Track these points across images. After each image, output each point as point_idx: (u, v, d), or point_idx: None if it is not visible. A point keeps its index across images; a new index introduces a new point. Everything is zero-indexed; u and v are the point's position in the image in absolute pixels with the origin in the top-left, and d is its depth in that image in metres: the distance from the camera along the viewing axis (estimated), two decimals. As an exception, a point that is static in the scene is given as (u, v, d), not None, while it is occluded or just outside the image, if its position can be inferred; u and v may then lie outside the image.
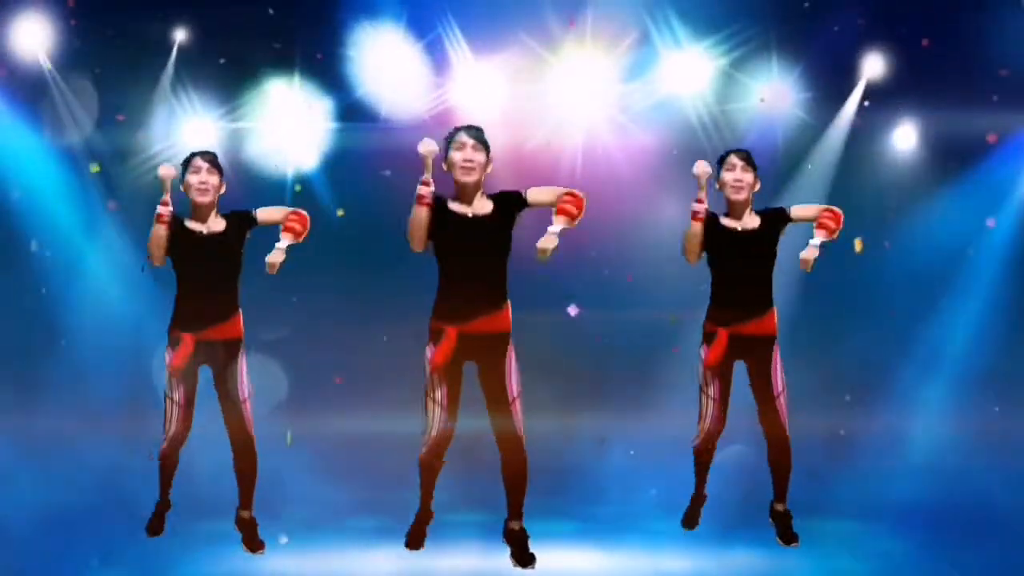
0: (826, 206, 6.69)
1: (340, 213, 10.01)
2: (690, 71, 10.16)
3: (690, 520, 6.78)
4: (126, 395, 10.02)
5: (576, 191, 6.33)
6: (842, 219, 6.60)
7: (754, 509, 6.87)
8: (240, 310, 6.61)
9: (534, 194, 6.35)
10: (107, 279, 10.35)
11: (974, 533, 7.20)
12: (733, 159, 6.69)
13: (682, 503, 6.85)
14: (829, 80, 10.32)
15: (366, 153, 10.30)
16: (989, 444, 9.47)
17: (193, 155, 6.68)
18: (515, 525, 6.28)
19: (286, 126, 10.24)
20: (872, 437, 9.65)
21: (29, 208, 10.31)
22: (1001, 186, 10.47)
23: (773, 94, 10.25)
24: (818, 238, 6.54)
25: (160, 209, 6.44)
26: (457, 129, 6.45)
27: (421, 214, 6.22)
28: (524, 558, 6.22)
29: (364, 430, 9.50)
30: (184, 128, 10.20)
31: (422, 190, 6.22)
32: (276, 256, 6.51)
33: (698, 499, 6.76)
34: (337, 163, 10.41)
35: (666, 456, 8.59)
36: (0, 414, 9.69)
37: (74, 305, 10.40)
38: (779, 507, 6.68)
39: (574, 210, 6.28)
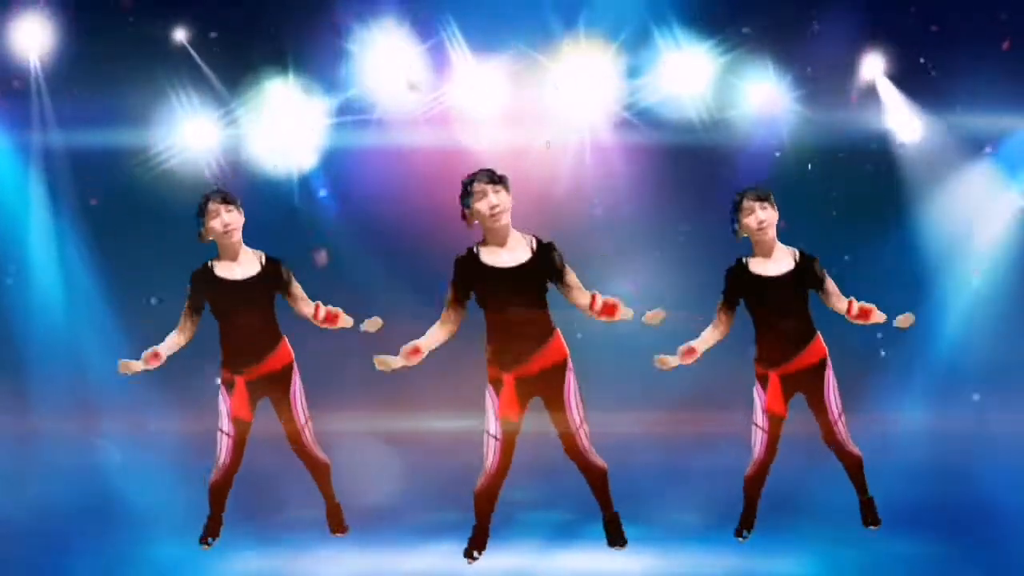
0: (854, 304, 6.72)
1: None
2: (691, 70, 10.17)
3: (741, 532, 6.89)
4: (127, 395, 10.05)
5: (609, 300, 6.41)
6: (870, 315, 6.69)
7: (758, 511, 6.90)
8: (283, 336, 6.69)
9: (571, 281, 6.43)
10: (106, 277, 10.37)
11: (974, 533, 7.20)
12: (748, 202, 6.65)
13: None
14: (830, 78, 10.32)
15: (366, 153, 10.32)
16: (988, 444, 9.47)
17: (206, 200, 6.62)
18: (607, 515, 6.56)
19: (286, 126, 10.25)
20: (873, 437, 9.64)
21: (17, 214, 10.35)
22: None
23: (773, 93, 10.26)
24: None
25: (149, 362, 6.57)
26: (471, 178, 6.41)
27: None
28: (615, 539, 6.55)
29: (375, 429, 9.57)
30: (184, 128, 10.22)
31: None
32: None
33: (750, 517, 6.85)
34: (337, 163, 10.42)
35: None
36: (0, 414, 9.70)
37: (74, 304, 10.42)
38: (863, 497, 6.88)
39: (613, 314, 6.41)
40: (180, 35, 10.18)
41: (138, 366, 6.62)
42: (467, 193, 6.36)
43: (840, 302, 6.71)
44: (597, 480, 6.52)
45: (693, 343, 6.64)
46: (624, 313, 6.42)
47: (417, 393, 9.95)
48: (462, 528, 6.56)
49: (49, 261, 10.42)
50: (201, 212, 6.57)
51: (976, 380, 10.27)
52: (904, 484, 8.09)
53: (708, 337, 6.69)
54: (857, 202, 10.28)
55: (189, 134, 10.22)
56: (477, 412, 6.44)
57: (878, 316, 6.74)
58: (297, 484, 7.04)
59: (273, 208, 9.84)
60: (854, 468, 6.84)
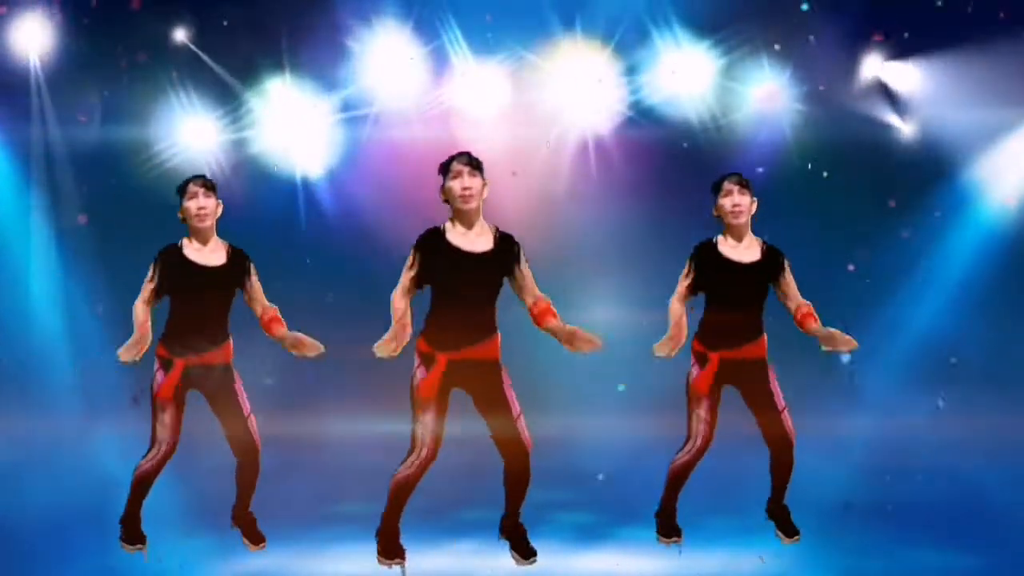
0: (801, 303, 6.69)
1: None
2: (691, 70, 10.16)
3: (673, 532, 6.83)
4: (126, 395, 10.03)
5: (546, 306, 6.40)
6: (809, 321, 6.65)
7: (751, 509, 6.89)
8: (231, 336, 6.71)
9: (526, 275, 6.45)
10: (106, 278, 10.35)
11: (974, 533, 7.20)
12: (728, 184, 6.76)
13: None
14: (830, 77, 10.31)
15: (366, 153, 10.31)
16: (989, 444, 9.47)
17: (187, 181, 6.75)
18: (514, 521, 6.46)
19: (287, 126, 10.23)
20: (872, 437, 9.65)
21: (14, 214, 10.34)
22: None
23: (772, 92, 10.25)
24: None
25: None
26: (451, 158, 6.51)
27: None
28: (526, 551, 6.42)
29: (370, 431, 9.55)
30: (184, 128, 10.20)
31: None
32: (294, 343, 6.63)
33: (670, 511, 6.79)
34: (337, 163, 10.41)
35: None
36: (0, 414, 9.69)
37: (73, 305, 10.40)
38: (779, 505, 6.78)
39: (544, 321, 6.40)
40: (180, 34, 10.17)
41: (135, 353, 6.56)
42: (445, 170, 6.46)
43: (791, 302, 6.70)
44: (520, 474, 6.42)
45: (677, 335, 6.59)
46: (572, 337, 6.35)
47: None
48: (462, 529, 6.56)
49: (49, 261, 10.42)
50: (181, 192, 6.70)
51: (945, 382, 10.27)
52: (908, 486, 8.13)
53: (678, 316, 6.66)
54: (857, 202, 10.28)
55: (189, 133, 10.20)
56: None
57: (818, 331, 6.65)
58: (297, 484, 7.04)
59: (273, 208, 9.84)
60: (786, 463, 6.75)
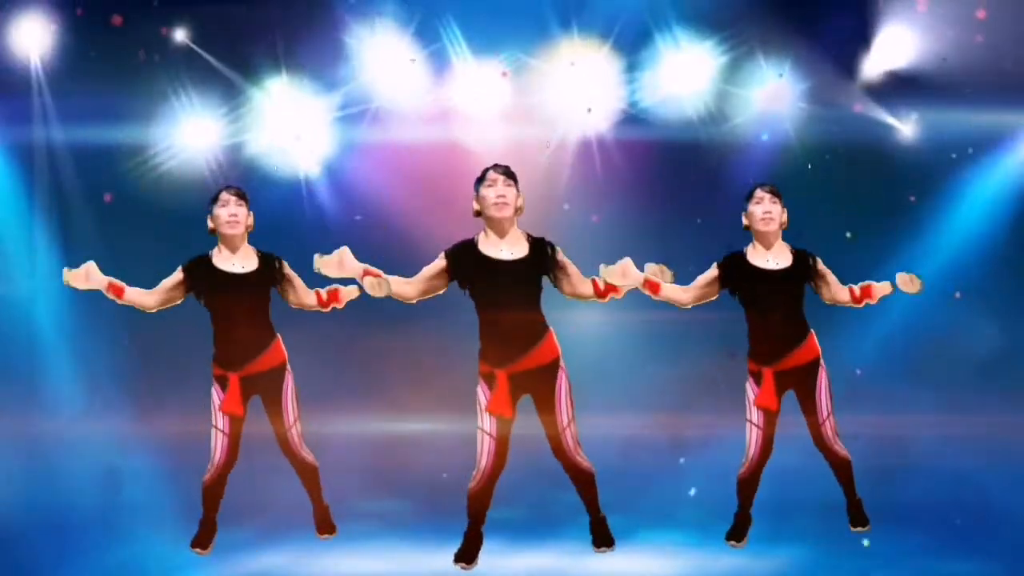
0: (855, 289, 6.73)
1: (357, 217, 10.02)
2: (692, 69, 10.16)
3: (737, 536, 6.85)
4: (125, 394, 10.05)
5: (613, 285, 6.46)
6: (872, 291, 6.68)
7: (757, 509, 6.90)
8: (278, 335, 6.69)
9: (563, 260, 6.46)
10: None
11: (974, 533, 7.19)
12: (760, 192, 6.74)
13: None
14: (831, 77, 10.31)
15: (366, 152, 10.30)
16: (988, 444, 9.47)
17: (220, 190, 6.75)
18: (594, 516, 6.57)
19: (288, 126, 10.23)
20: (871, 436, 9.64)
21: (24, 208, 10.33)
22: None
23: (775, 91, 10.25)
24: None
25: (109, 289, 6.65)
26: (487, 169, 6.49)
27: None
28: (602, 540, 6.55)
29: (375, 431, 9.57)
30: (185, 128, 10.20)
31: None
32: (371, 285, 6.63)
33: (743, 519, 6.83)
34: (338, 162, 10.41)
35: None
36: (0, 414, 9.69)
37: (72, 304, 10.40)
38: (851, 499, 6.87)
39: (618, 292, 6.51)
40: (181, 34, 10.17)
41: (85, 282, 6.65)
42: (481, 179, 6.43)
43: (842, 293, 6.72)
44: (583, 482, 6.52)
45: (661, 283, 6.62)
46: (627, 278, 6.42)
47: (413, 395, 9.97)
48: (460, 530, 6.56)
49: (48, 261, 10.42)
50: (213, 200, 6.67)
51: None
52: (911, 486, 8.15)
53: (673, 291, 6.67)
54: (858, 202, 10.27)
55: (189, 133, 10.20)
56: (473, 414, 6.43)
57: (881, 289, 6.73)
58: (296, 484, 7.04)
59: (273, 207, 9.83)
60: (842, 469, 6.83)
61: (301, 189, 10.34)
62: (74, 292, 10.32)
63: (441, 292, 6.50)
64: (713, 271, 6.71)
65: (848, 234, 9.68)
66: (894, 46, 10.18)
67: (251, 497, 7.20)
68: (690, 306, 6.73)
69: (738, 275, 6.67)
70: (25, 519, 7.67)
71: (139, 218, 10.14)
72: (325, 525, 6.85)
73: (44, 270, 10.33)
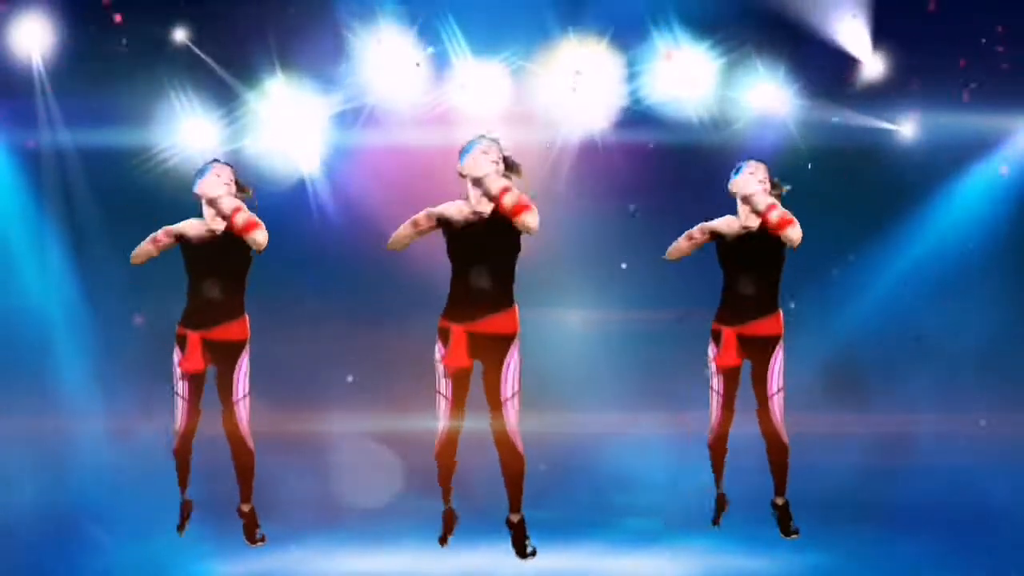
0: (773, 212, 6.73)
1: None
2: (691, 70, 10.16)
3: (716, 519, 6.87)
4: (124, 394, 10.05)
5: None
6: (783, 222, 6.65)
7: (751, 506, 6.90)
8: (246, 313, 6.66)
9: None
10: (104, 278, 10.36)
11: (974, 533, 7.20)
12: (754, 164, 6.85)
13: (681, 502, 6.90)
14: (830, 77, 10.31)
15: (366, 152, 10.31)
16: (988, 444, 9.47)
17: (209, 162, 6.86)
18: (514, 518, 6.44)
19: (287, 127, 10.24)
20: (871, 437, 9.65)
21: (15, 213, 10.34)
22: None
23: (772, 93, 10.25)
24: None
25: (160, 236, 6.52)
26: (476, 137, 6.56)
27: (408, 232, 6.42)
28: (523, 549, 6.40)
29: (375, 428, 9.56)
30: (184, 127, 10.21)
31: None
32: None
33: (720, 499, 6.84)
34: (338, 162, 10.41)
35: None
36: (0, 414, 9.69)
37: (71, 305, 10.41)
38: (779, 501, 6.82)
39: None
40: (180, 34, 10.18)
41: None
42: (467, 148, 6.51)
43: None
44: (511, 467, 6.43)
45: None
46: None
47: (412, 393, 9.97)
48: (461, 530, 6.56)
49: (49, 261, 10.43)
50: (200, 172, 6.78)
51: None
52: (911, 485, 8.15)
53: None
54: (858, 201, 10.28)
55: (189, 134, 10.21)
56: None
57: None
58: (297, 484, 7.04)
59: (273, 208, 9.83)
60: (777, 454, 6.76)
61: (300, 189, 10.36)
62: (74, 292, 10.43)
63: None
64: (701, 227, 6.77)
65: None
66: (893, 46, 10.22)
67: (254, 497, 7.20)
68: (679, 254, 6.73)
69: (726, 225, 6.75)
70: (24, 520, 7.67)
71: (139, 218, 10.16)
72: (251, 532, 6.81)
73: (53, 270, 10.36)
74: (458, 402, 6.38)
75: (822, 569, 6.62)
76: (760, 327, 6.63)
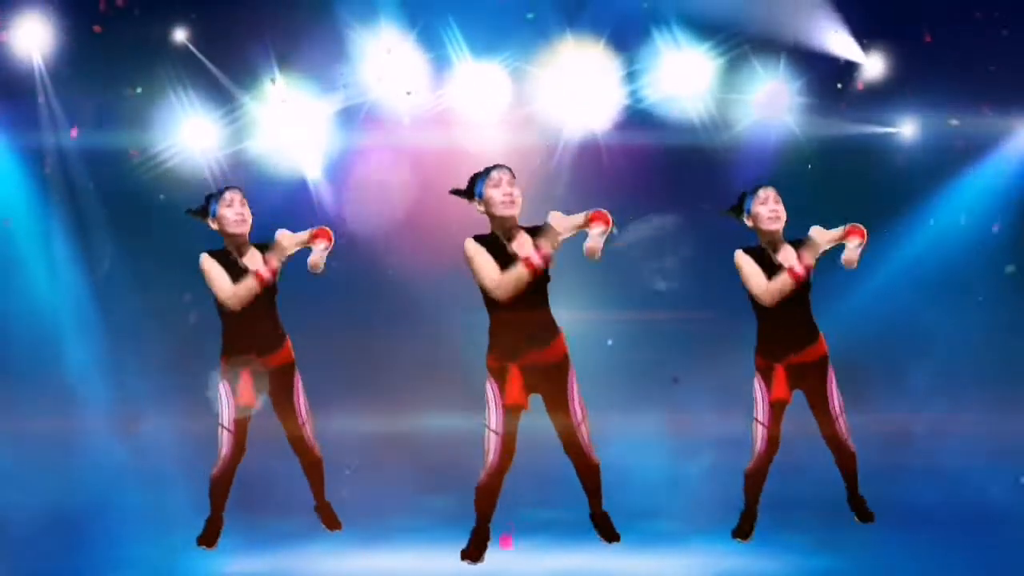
0: (849, 225, 6.73)
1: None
2: (690, 71, 10.18)
3: (743, 532, 6.89)
4: (125, 394, 10.07)
5: (602, 212, 6.38)
6: (865, 232, 6.69)
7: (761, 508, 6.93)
8: (287, 335, 6.73)
9: (556, 221, 6.39)
10: (103, 279, 10.38)
11: (974, 533, 7.21)
12: (764, 192, 6.74)
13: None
14: (829, 79, 10.34)
15: (366, 152, 10.33)
16: (988, 444, 9.48)
17: (223, 190, 6.74)
18: (598, 510, 6.62)
19: (287, 128, 10.25)
20: (873, 437, 9.66)
21: (25, 210, 10.35)
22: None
23: (771, 94, 10.28)
24: (854, 242, 6.67)
25: (263, 271, 6.55)
26: (488, 169, 6.47)
27: (525, 277, 6.30)
28: (610, 535, 6.60)
29: (376, 429, 9.60)
30: (184, 127, 10.23)
31: (535, 259, 6.29)
32: (318, 258, 6.62)
33: (750, 516, 6.88)
34: (338, 162, 10.43)
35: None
36: (1, 414, 9.71)
37: (72, 305, 10.42)
38: (855, 495, 6.97)
39: (606, 218, 6.35)
40: (180, 34, 10.19)
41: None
42: (484, 176, 6.42)
43: (830, 233, 6.70)
44: (592, 477, 6.56)
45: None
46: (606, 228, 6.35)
47: (417, 392, 9.98)
48: (462, 530, 6.57)
49: (51, 260, 10.44)
50: (215, 199, 6.67)
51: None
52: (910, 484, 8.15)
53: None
54: (858, 201, 10.29)
55: (189, 134, 10.23)
56: (479, 411, 6.45)
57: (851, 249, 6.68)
58: (297, 484, 7.05)
59: (273, 208, 9.85)
60: (849, 466, 6.91)
61: (301, 190, 10.37)
62: (75, 291, 10.45)
63: None
64: (754, 269, 6.68)
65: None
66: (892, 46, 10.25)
67: (251, 496, 7.21)
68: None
69: (764, 268, 6.67)
70: (25, 520, 7.67)
71: (140, 217, 10.19)
72: (332, 520, 6.97)
73: (63, 276, 10.38)
74: (508, 440, 6.42)
75: (833, 570, 6.62)
76: (808, 354, 6.69)
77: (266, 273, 6.55)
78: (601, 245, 6.32)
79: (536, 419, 6.47)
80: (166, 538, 6.98)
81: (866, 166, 10.53)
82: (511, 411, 6.37)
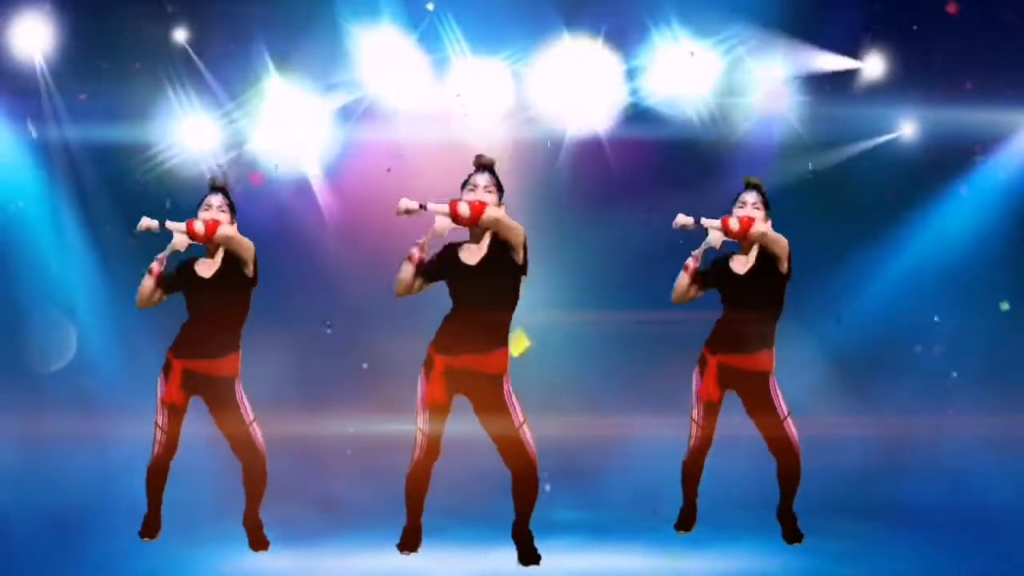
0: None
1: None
2: (690, 70, 10.17)
3: (684, 524, 6.90)
4: (127, 394, 10.05)
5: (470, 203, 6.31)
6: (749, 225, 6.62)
7: (752, 510, 6.91)
8: (240, 350, 6.72)
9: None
10: (103, 279, 10.36)
11: (974, 533, 7.21)
12: (744, 196, 6.79)
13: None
14: (830, 77, 10.32)
15: (366, 152, 10.32)
16: (988, 444, 9.47)
17: (208, 194, 6.79)
18: (523, 527, 6.46)
19: (287, 126, 10.24)
20: (874, 437, 9.66)
21: (24, 211, 10.34)
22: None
23: (772, 93, 10.26)
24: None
25: (153, 266, 6.56)
26: (475, 169, 6.49)
27: (407, 272, 6.34)
28: (530, 556, 6.42)
29: (377, 429, 9.58)
30: (184, 126, 10.22)
31: (413, 251, 6.31)
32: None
33: (689, 509, 6.88)
34: (338, 162, 10.42)
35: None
36: (1, 414, 9.70)
37: (77, 304, 10.42)
38: (786, 511, 6.87)
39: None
40: (180, 33, 10.18)
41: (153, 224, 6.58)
42: (467, 179, 6.46)
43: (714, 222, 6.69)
44: (527, 485, 6.43)
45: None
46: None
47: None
48: (463, 529, 6.56)
49: (53, 260, 10.44)
50: (200, 203, 6.74)
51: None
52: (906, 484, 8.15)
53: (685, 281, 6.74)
54: (858, 201, 10.29)
55: (189, 132, 10.22)
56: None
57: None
58: (296, 484, 7.04)
59: (273, 208, 9.86)
60: (793, 473, 6.81)
61: (301, 188, 10.36)
62: (76, 291, 10.43)
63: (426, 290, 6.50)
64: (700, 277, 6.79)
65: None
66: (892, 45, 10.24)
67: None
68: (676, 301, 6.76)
69: (719, 272, 6.78)
70: (25, 520, 7.67)
71: (133, 219, 10.18)
72: (258, 538, 6.86)
73: (73, 272, 10.38)
74: (433, 440, 6.45)
75: (833, 570, 6.62)
76: (748, 362, 6.69)
77: (156, 267, 6.59)
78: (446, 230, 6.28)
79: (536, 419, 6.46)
80: (165, 538, 6.98)
81: (866, 166, 10.51)
82: (432, 408, 6.37)
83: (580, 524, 7.37)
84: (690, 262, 6.72)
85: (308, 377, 9.51)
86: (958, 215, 10.45)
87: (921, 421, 9.99)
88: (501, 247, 6.33)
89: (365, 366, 8.74)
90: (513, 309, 6.39)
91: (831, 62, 10.21)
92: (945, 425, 9.89)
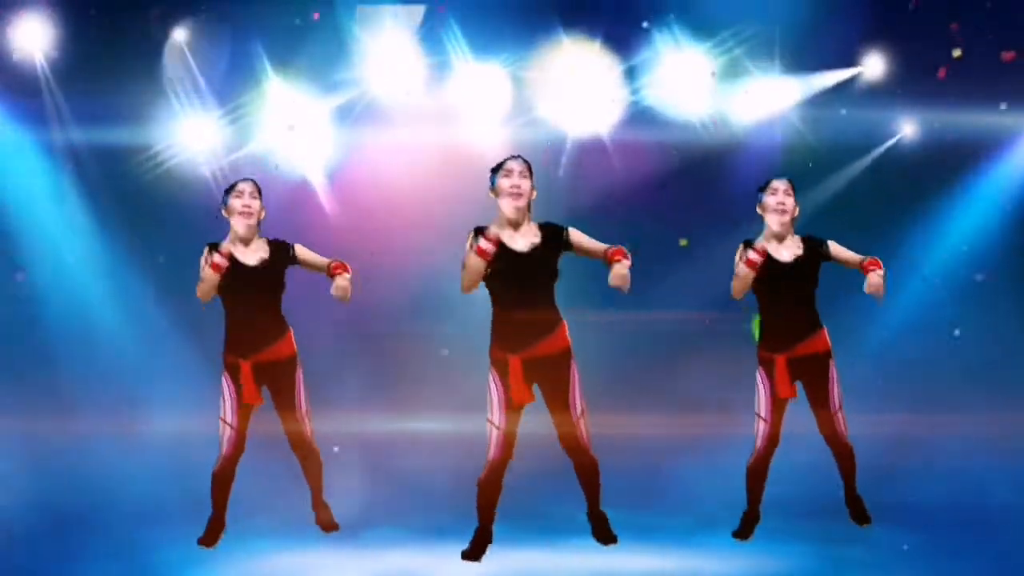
0: (868, 257, 6.73)
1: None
2: (690, 70, 10.18)
3: (743, 533, 6.91)
4: (126, 393, 10.06)
5: (622, 248, 6.40)
6: (882, 268, 6.68)
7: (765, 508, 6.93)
8: (290, 328, 6.76)
9: (577, 237, 6.48)
10: (102, 279, 10.38)
11: (974, 533, 7.21)
12: (776, 183, 6.85)
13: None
14: (830, 79, 10.34)
15: (366, 152, 10.33)
16: (988, 444, 9.48)
17: (236, 181, 6.83)
18: (595, 509, 6.58)
19: (287, 127, 10.25)
20: (874, 437, 9.66)
21: (23, 211, 10.35)
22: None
23: (773, 92, 10.28)
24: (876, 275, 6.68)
25: (217, 258, 6.52)
26: (506, 158, 6.53)
27: (480, 264, 6.29)
28: (606, 536, 6.55)
29: (377, 430, 9.60)
30: (184, 126, 10.23)
31: (485, 244, 6.26)
32: (343, 286, 6.66)
33: (751, 516, 6.90)
34: (338, 162, 10.43)
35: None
36: (0, 414, 9.70)
37: (73, 305, 10.42)
38: (851, 494, 6.99)
39: (623, 258, 6.37)
40: (180, 33, 10.20)
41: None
42: (499, 166, 6.47)
43: (851, 256, 6.75)
44: (590, 475, 6.53)
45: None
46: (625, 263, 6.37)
47: (417, 393, 9.97)
48: (463, 529, 6.57)
49: (56, 260, 10.45)
50: (229, 189, 6.78)
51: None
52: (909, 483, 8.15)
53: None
54: (857, 201, 10.30)
55: (189, 133, 10.23)
56: (479, 412, 6.45)
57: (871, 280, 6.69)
58: (297, 483, 7.05)
59: (273, 207, 9.84)
60: (847, 461, 6.92)
61: (301, 188, 10.37)
62: (77, 291, 10.45)
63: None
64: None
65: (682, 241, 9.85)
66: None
67: (251, 496, 7.21)
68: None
69: (760, 268, 6.72)
70: (25, 520, 7.68)
71: (141, 217, 10.20)
72: (328, 522, 6.95)
73: (73, 272, 10.39)
74: (509, 436, 6.44)
75: (833, 571, 6.63)
76: (809, 346, 6.72)
77: (222, 262, 6.55)
78: (627, 276, 6.32)
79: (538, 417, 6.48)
80: (166, 538, 6.99)
81: (867, 165, 10.53)
82: (513, 406, 6.37)
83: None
84: (757, 257, 6.68)
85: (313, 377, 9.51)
86: (958, 216, 10.47)
87: (921, 421, 10.00)
88: (547, 232, 6.42)
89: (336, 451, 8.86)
90: (556, 281, 6.45)
91: (831, 63, 10.24)
92: (945, 425, 9.90)
